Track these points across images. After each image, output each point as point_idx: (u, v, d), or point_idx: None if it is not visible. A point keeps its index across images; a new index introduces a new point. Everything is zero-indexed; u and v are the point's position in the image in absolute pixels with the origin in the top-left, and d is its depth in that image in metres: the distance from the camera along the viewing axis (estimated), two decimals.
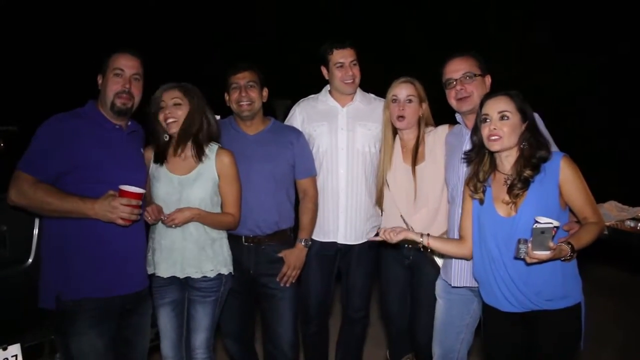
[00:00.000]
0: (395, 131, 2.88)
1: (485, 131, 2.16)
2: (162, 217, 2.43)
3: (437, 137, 2.81)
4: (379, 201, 2.93)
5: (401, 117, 2.77)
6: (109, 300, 2.28)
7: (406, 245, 2.83)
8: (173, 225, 2.45)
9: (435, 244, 2.34)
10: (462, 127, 2.68)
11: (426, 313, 2.77)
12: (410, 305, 2.91)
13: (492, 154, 2.24)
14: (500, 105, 2.15)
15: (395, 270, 2.92)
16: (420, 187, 2.77)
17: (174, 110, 2.49)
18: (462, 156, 2.42)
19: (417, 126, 2.83)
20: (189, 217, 2.45)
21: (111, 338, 2.30)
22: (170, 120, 2.49)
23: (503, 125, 2.13)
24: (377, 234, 2.42)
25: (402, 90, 2.79)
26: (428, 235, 2.35)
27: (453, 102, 2.63)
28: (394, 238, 2.29)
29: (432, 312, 2.73)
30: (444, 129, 2.83)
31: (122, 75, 2.36)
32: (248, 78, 2.80)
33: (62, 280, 2.23)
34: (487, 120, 2.16)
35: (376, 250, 3.01)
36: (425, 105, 2.82)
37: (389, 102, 2.83)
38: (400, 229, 2.32)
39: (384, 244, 2.94)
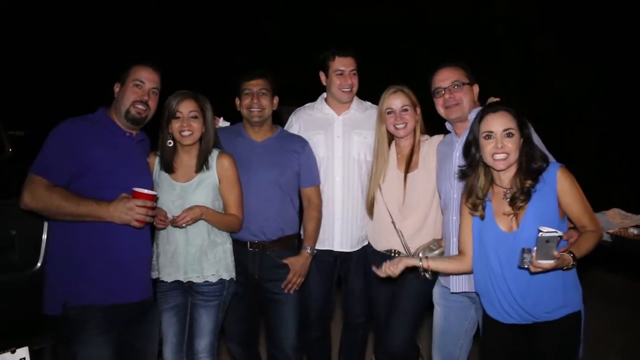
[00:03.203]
0: (390, 140, 2.88)
1: (488, 148, 2.14)
2: (169, 219, 2.46)
3: (430, 146, 2.83)
4: (370, 210, 2.92)
5: (401, 125, 2.77)
6: (116, 308, 2.28)
7: (393, 254, 2.83)
8: (184, 225, 2.47)
9: (435, 265, 2.34)
10: (452, 135, 2.69)
11: (399, 318, 2.76)
12: (387, 311, 2.87)
13: (486, 168, 2.23)
14: (504, 122, 2.13)
15: (382, 279, 2.92)
16: (411, 195, 2.78)
17: (191, 123, 2.53)
18: (456, 171, 2.41)
19: (413, 133, 2.83)
20: (198, 214, 2.47)
21: (118, 347, 2.29)
22: (186, 133, 2.52)
23: (508, 143, 2.12)
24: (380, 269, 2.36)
25: (396, 101, 2.78)
26: (427, 257, 2.36)
27: (441, 110, 2.65)
28: (396, 271, 2.29)
29: (406, 320, 2.74)
30: (438, 139, 2.84)
31: (142, 87, 2.40)
32: (261, 85, 2.84)
33: (70, 286, 2.22)
34: (491, 137, 2.14)
35: (366, 258, 3.01)
36: (419, 111, 2.83)
37: (383, 115, 2.81)
38: (398, 260, 2.31)
39: (372, 252, 2.95)
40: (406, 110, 2.77)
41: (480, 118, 2.20)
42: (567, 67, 9.59)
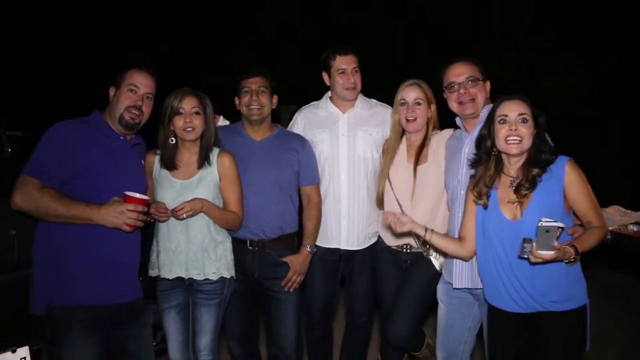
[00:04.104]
0: (402, 133, 2.89)
1: (502, 132, 2.18)
2: (170, 211, 2.46)
3: (440, 140, 2.84)
4: (380, 204, 2.94)
5: (411, 120, 2.78)
6: (101, 309, 2.27)
7: (404, 250, 2.86)
8: (184, 216, 2.47)
9: (436, 240, 2.38)
10: (462, 131, 2.70)
11: (403, 310, 2.78)
12: (393, 299, 2.89)
13: (497, 157, 2.26)
14: (520, 108, 2.18)
15: (392, 275, 2.94)
16: (420, 187, 2.79)
17: (193, 119, 2.54)
18: (469, 158, 2.42)
19: (425, 128, 2.84)
20: (198, 206, 2.48)
21: (103, 349, 2.28)
22: (189, 129, 2.53)
23: (522, 127, 2.16)
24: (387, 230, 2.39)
25: (410, 93, 2.79)
26: (432, 230, 2.39)
27: (454, 106, 2.64)
28: (400, 228, 2.32)
29: (408, 311, 2.76)
30: (448, 132, 2.85)
31: (136, 92, 2.40)
32: (260, 83, 2.84)
33: (55, 286, 2.21)
34: (505, 122, 2.18)
35: (374, 254, 3.03)
36: (433, 107, 2.83)
37: (397, 105, 2.83)
38: (406, 219, 2.33)
39: (382, 247, 2.98)
40: (419, 103, 2.78)
41: (497, 105, 2.24)
42: (564, 65, 9.60)
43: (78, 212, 2.17)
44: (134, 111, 2.38)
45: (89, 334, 2.22)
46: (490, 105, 2.58)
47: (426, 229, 2.37)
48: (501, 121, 2.19)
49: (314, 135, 3.04)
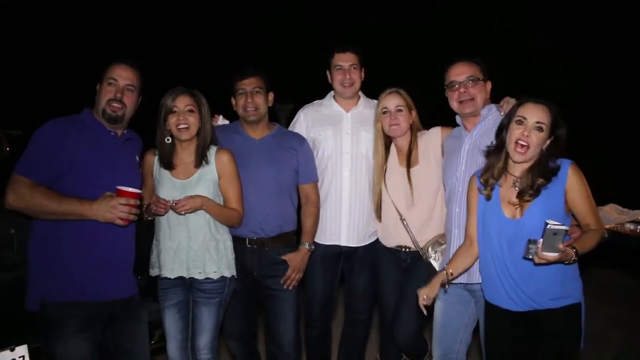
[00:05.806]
0: (387, 142, 2.93)
1: (516, 133, 2.17)
2: (170, 204, 2.46)
3: (429, 140, 2.88)
4: (377, 212, 2.95)
5: (395, 125, 2.82)
6: (95, 305, 2.28)
7: (403, 250, 2.88)
8: (183, 212, 2.48)
9: (454, 267, 2.36)
10: (461, 129, 2.73)
11: (409, 310, 2.78)
12: (396, 301, 2.91)
13: (507, 154, 2.26)
14: (540, 115, 2.17)
15: (393, 273, 2.96)
16: (416, 188, 2.83)
17: (187, 117, 2.54)
18: (484, 148, 2.42)
19: (409, 133, 2.89)
20: (199, 203, 2.49)
21: (97, 345, 2.29)
22: (182, 126, 2.53)
23: (534, 135, 2.15)
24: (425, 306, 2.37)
25: (392, 101, 2.85)
26: (448, 269, 2.36)
27: (455, 105, 2.68)
28: (432, 294, 2.31)
29: (414, 309, 2.74)
30: (436, 131, 2.89)
31: (116, 85, 2.40)
32: (254, 84, 2.85)
33: (48, 283, 2.23)
34: (522, 123, 2.17)
35: (375, 253, 3.05)
36: (414, 113, 2.88)
37: (379, 115, 2.88)
38: (431, 285, 2.32)
39: (381, 247, 3.00)
40: (400, 110, 2.83)
41: (521, 103, 2.23)
42: (564, 64, 9.60)
43: (70, 208, 2.18)
44: (115, 104, 2.39)
45: (83, 330, 2.23)
46: (491, 105, 2.64)
47: (445, 273, 2.34)
48: (518, 121, 2.19)
49: (318, 133, 3.07)
